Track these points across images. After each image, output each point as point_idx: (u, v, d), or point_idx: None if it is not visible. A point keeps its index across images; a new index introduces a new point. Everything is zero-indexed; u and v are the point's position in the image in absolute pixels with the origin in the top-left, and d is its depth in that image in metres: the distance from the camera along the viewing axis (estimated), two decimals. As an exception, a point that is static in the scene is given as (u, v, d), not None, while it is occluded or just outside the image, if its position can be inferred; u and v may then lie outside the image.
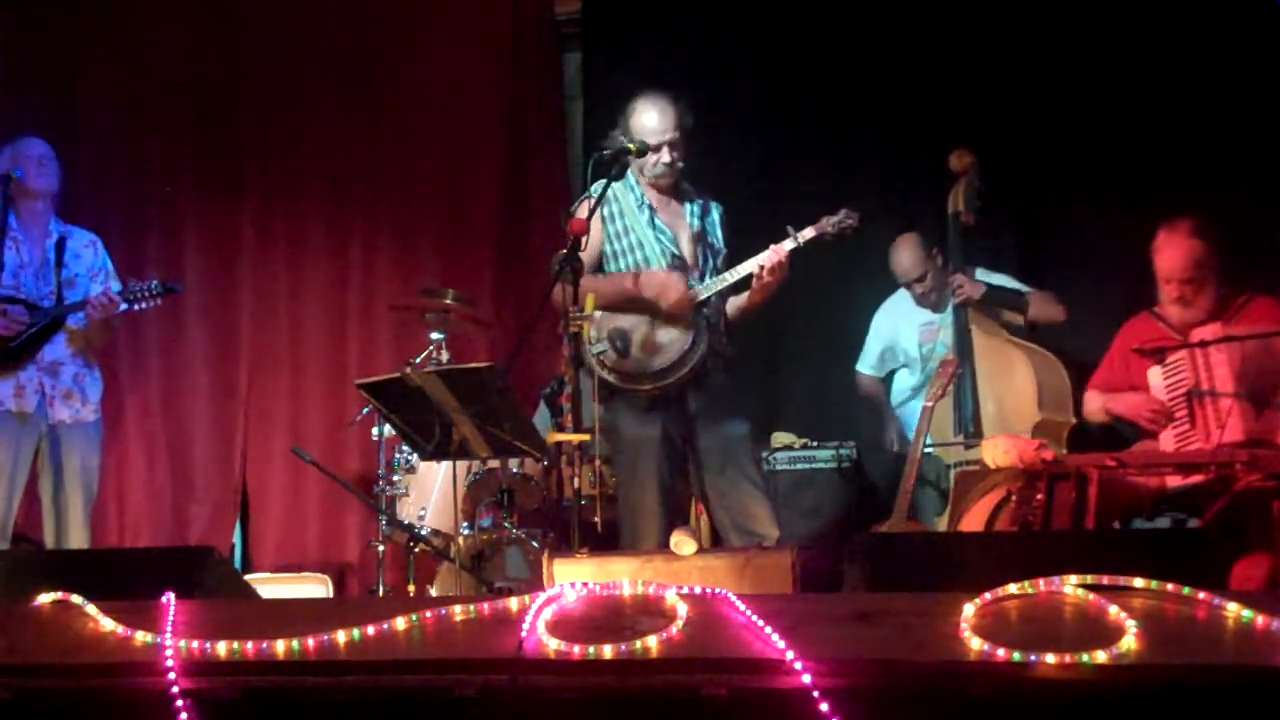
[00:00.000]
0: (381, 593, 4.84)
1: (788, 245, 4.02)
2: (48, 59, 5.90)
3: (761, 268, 3.98)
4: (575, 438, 3.49)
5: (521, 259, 5.74)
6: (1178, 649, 2.00)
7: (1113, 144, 5.03)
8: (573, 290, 3.57)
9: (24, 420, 4.63)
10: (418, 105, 5.88)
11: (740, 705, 2.02)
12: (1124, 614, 2.04)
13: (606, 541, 4.04)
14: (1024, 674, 1.97)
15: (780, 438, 5.26)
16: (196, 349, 5.84)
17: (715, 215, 4.25)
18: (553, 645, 2.10)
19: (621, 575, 2.67)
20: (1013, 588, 2.15)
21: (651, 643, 2.08)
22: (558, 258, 3.66)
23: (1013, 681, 1.98)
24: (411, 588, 4.66)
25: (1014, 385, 4.51)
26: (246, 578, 4.45)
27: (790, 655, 1.99)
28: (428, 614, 2.25)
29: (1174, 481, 3.71)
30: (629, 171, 4.09)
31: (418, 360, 4.85)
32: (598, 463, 3.52)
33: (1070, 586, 2.14)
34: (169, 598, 2.34)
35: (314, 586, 5.20)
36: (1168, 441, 3.90)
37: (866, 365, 5.16)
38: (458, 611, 2.26)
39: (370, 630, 2.21)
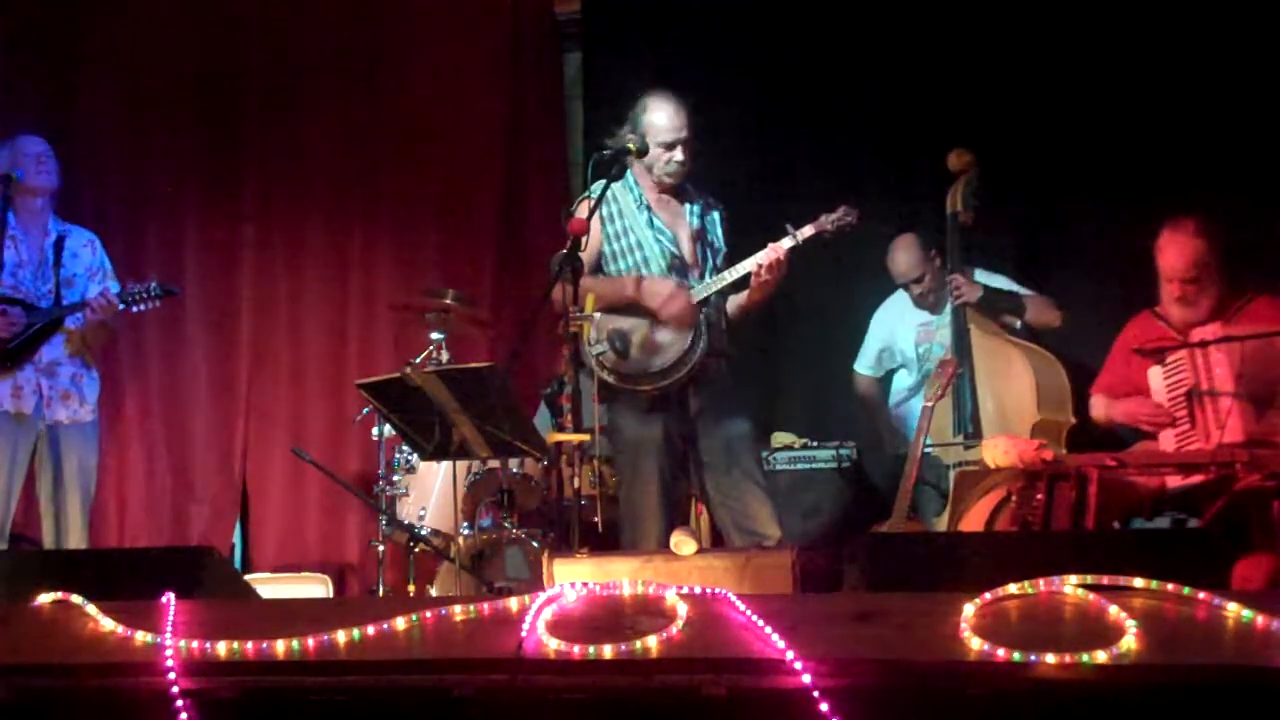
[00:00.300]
0: (381, 593, 4.84)
1: (787, 243, 4.03)
2: (48, 58, 5.89)
3: (760, 266, 3.98)
4: (575, 438, 3.49)
5: (521, 259, 5.74)
6: (1178, 649, 2.00)
7: (1111, 144, 5.03)
8: (573, 290, 3.57)
9: (22, 421, 4.63)
10: (418, 105, 5.87)
11: (740, 705, 2.03)
12: (1124, 614, 2.04)
13: (606, 541, 4.04)
14: (1024, 674, 1.97)
15: (780, 438, 5.26)
16: (196, 349, 5.83)
17: (715, 215, 4.25)
18: (553, 645, 2.10)
19: (621, 575, 2.67)
20: (1013, 588, 2.15)
21: (651, 643, 2.08)
22: (557, 258, 3.66)
23: (1013, 681, 1.98)
24: (411, 588, 4.66)
25: (1013, 385, 4.51)
26: (246, 578, 4.45)
27: (790, 655, 1.99)
28: (428, 614, 2.25)
29: (1174, 481, 3.71)
30: (628, 172, 4.09)
31: (418, 360, 4.85)
32: (597, 463, 3.52)
33: (1070, 586, 2.14)
34: (169, 598, 2.34)
35: (314, 586, 5.20)
36: (1168, 442, 3.90)
37: (864, 366, 5.17)
38: (458, 611, 2.26)
39: (370, 630, 2.21)
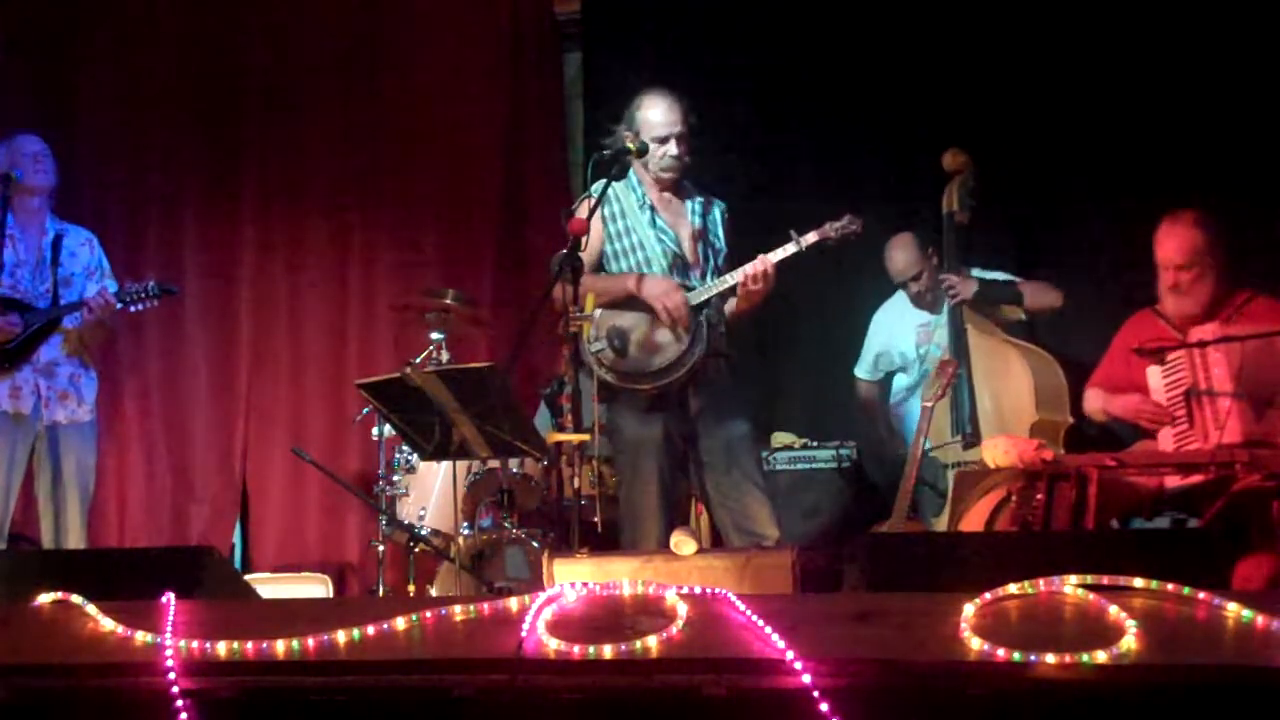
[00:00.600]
0: (381, 593, 4.84)
1: (790, 249, 4.02)
2: (48, 58, 5.89)
3: (746, 276, 3.97)
4: (575, 438, 3.49)
5: (521, 259, 5.74)
6: (1178, 649, 2.00)
7: (1110, 143, 5.03)
8: (573, 290, 3.57)
9: (20, 421, 4.64)
10: (418, 105, 5.87)
11: (740, 705, 2.03)
12: (1124, 614, 2.04)
13: (606, 541, 4.04)
14: (1024, 674, 1.97)
15: (780, 438, 5.26)
16: (196, 349, 5.83)
17: (716, 213, 4.25)
18: (553, 645, 2.10)
19: (621, 575, 2.67)
20: (1013, 588, 2.15)
21: (651, 643, 2.08)
22: (557, 258, 3.66)
23: (1013, 681, 1.98)
24: (411, 588, 4.66)
25: (1011, 385, 4.51)
26: (246, 578, 4.45)
27: (790, 655, 1.99)
28: (428, 614, 2.25)
29: (1173, 482, 3.71)
30: (630, 171, 4.09)
31: (418, 360, 4.85)
32: (597, 463, 3.52)
33: (1070, 586, 2.14)
34: (169, 598, 2.34)
35: (314, 586, 5.19)
36: (1167, 441, 3.90)
37: (862, 370, 5.16)
38: (458, 611, 2.26)
39: (370, 630, 2.21)
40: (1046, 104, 5.12)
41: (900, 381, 5.04)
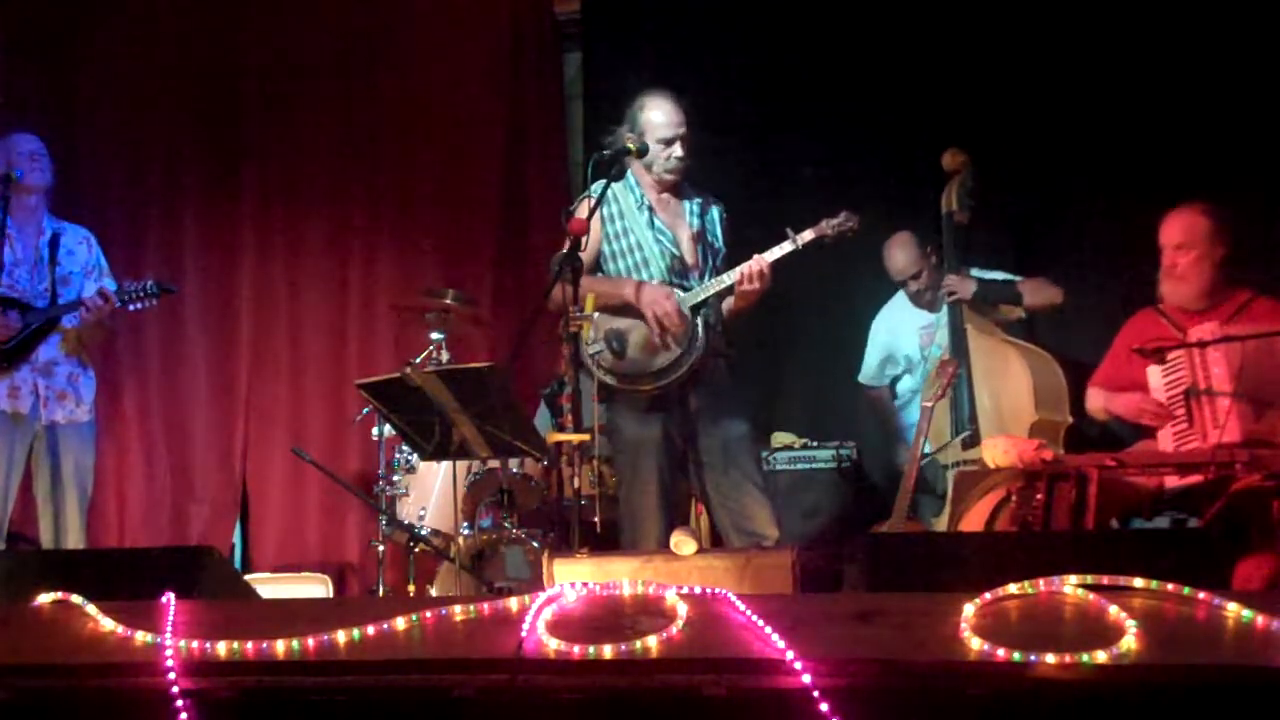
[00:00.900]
0: (381, 593, 4.84)
1: (786, 247, 4.02)
2: (48, 58, 5.90)
3: (742, 276, 3.97)
4: (575, 438, 3.49)
5: (521, 259, 5.74)
6: (1178, 649, 2.00)
7: (1110, 141, 5.03)
8: (573, 290, 3.57)
9: (19, 421, 4.64)
10: (418, 105, 5.88)
11: (740, 705, 2.03)
12: (1124, 614, 2.04)
13: (606, 541, 4.04)
14: (1024, 674, 1.97)
15: (780, 438, 5.26)
16: (196, 349, 5.83)
17: (715, 214, 4.25)
18: (553, 645, 2.10)
19: (621, 575, 2.68)
20: (1013, 588, 2.15)
21: (651, 643, 2.08)
22: (557, 258, 3.66)
23: (1013, 681, 1.98)
24: (411, 588, 4.66)
25: (1010, 385, 4.51)
26: (246, 578, 4.45)
27: (790, 655, 1.99)
28: (428, 614, 2.25)
29: (1173, 482, 3.71)
30: (629, 172, 4.09)
31: (418, 360, 4.85)
32: (597, 463, 3.51)
33: (1070, 586, 2.14)
34: (169, 598, 2.34)
35: (314, 586, 5.19)
36: (1166, 440, 3.90)
37: (867, 377, 5.15)
38: (458, 611, 2.26)
39: (370, 630, 2.21)
40: (1046, 103, 5.13)
41: (905, 384, 5.05)
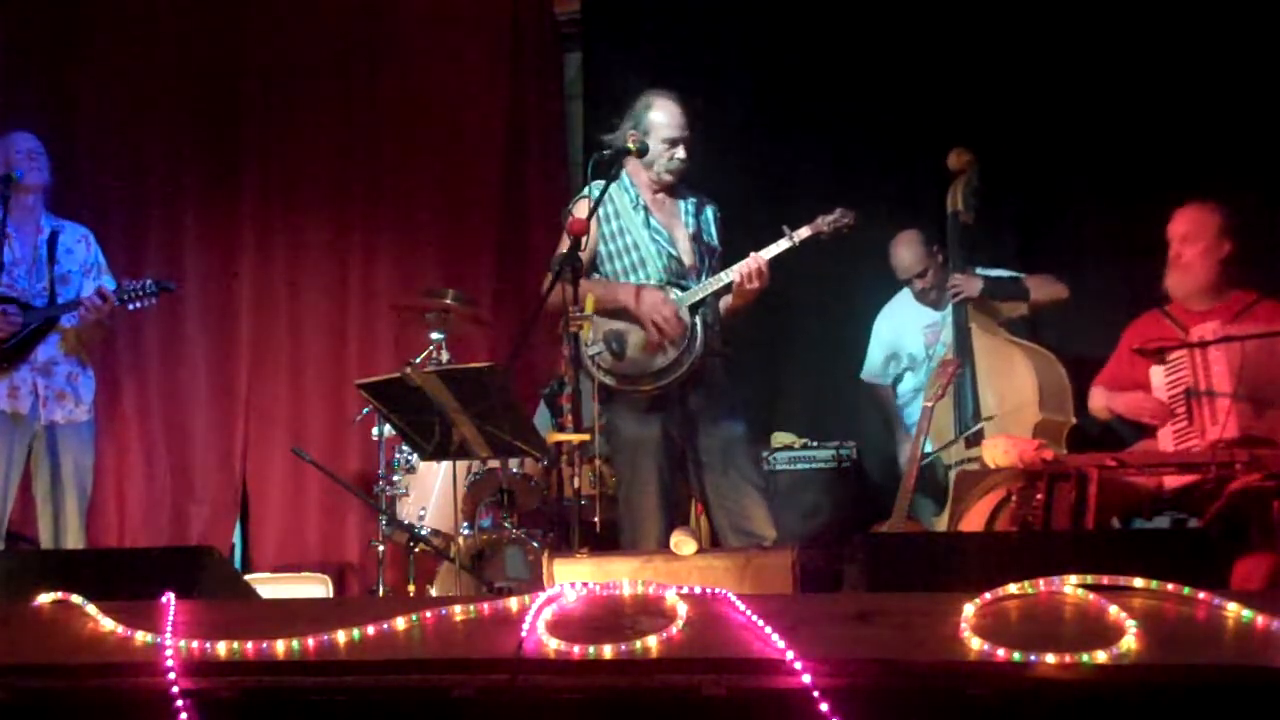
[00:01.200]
0: (381, 593, 4.84)
1: (783, 245, 4.02)
2: (48, 57, 5.90)
3: (740, 275, 3.97)
4: (575, 438, 3.49)
5: (521, 259, 5.73)
6: (1178, 649, 2.00)
7: (1112, 141, 5.03)
8: (573, 290, 3.57)
9: (18, 421, 4.63)
10: (418, 105, 5.87)
11: (740, 705, 2.03)
12: (1124, 614, 2.04)
13: (606, 541, 4.03)
14: (1024, 674, 1.97)
15: (780, 438, 5.26)
16: (196, 349, 5.83)
17: (709, 213, 4.25)
18: (553, 645, 2.10)
19: (621, 575, 2.67)
20: (1013, 588, 2.15)
21: (651, 643, 2.08)
22: (557, 258, 3.66)
23: (1013, 681, 1.98)
24: (411, 588, 4.66)
25: (1014, 385, 4.50)
26: (246, 578, 4.45)
27: (790, 655, 1.99)
28: (428, 614, 2.25)
29: (1172, 481, 3.71)
30: (624, 171, 4.08)
31: (418, 360, 4.85)
32: (598, 462, 3.51)
33: (1070, 586, 2.14)
34: (169, 598, 2.34)
35: (314, 586, 5.19)
36: (1166, 439, 3.90)
37: (872, 374, 5.14)
38: (458, 611, 2.26)
39: (370, 630, 2.21)
40: (1049, 102, 5.13)
41: (908, 383, 5.04)
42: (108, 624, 2.32)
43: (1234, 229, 3.98)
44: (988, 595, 2.13)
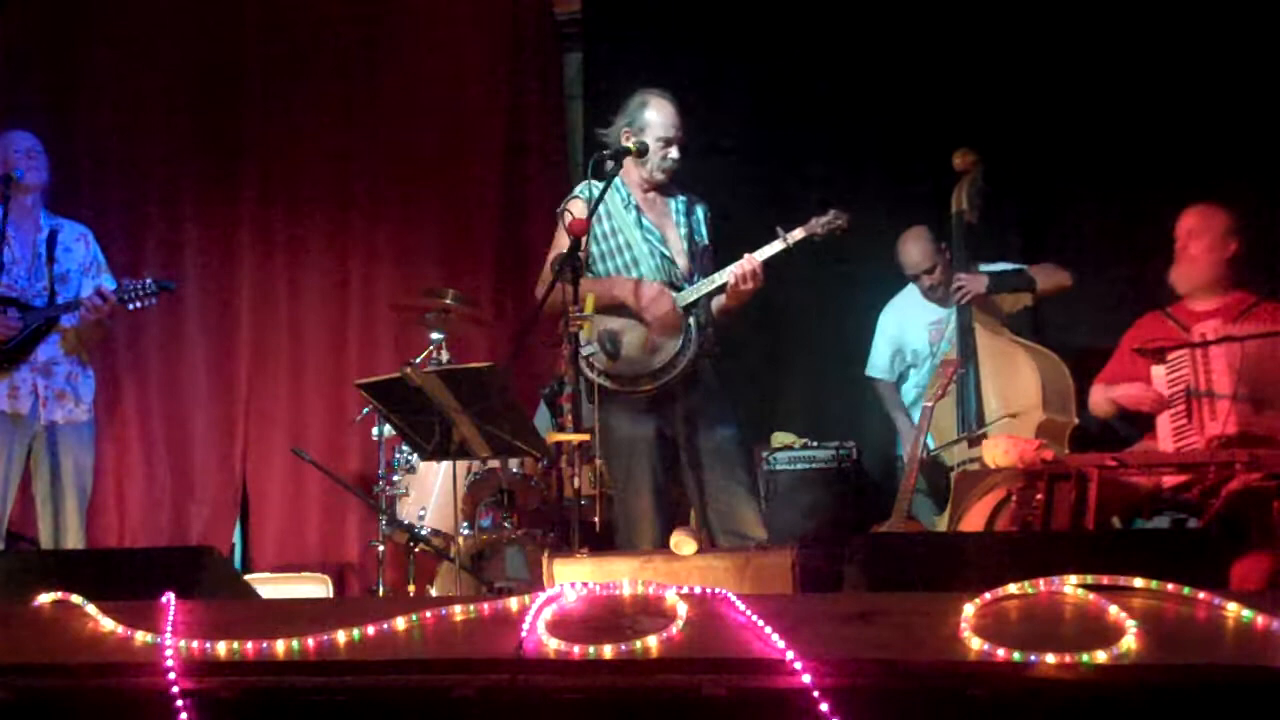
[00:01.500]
0: (381, 593, 4.84)
1: (776, 246, 4.02)
2: (48, 56, 5.90)
3: (736, 276, 3.97)
4: (575, 438, 3.48)
5: (521, 259, 5.73)
6: (1178, 649, 2.00)
7: (1116, 140, 5.03)
8: (573, 290, 3.57)
9: (18, 421, 4.63)
10: (418, 105, 5.87)
11: (740, 705, 2.03)
12: (1124, 614, 2.04)
13: (606, 541, 4.04)
14: (1024, 674, 1.97)
15: (780, 438, 5.25)
16: (196, 349, 5.83)
17: (700, 213, 4.24)
18: (553, 645, 2.10)
19: (621, 575, 2.67)
20: (1013, 588, 2.15)
21: (651, 643, 2.08)
22: (557, 258, 3.66)
23: (1013, 681, 1.98)
24: (411, 588, 4.66)
25: (1018, 385, 4.50)
26: (246, 578, 4.45)
27: (790, 655, 1.99)
28: (428, 614, 2.25)
29: (1171, 479, 3.72)
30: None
31: (418, 360, 4.85)
32: (598, 462, 3.51)
33: (1070, 586, 2.14)
34: (169, 598, 2.34)
35: (314, 586, 5.19)
36: (1165, 435, 3.91)
37: (878, 370, 5.13)
38: (458, 611, 2.26)
39: (370, 630, 2.21)
40: (1051, 103, 5.13)
41: (910, 381, 5.04)
42: (108, 624, 2.32)
43: (1240, 230, 4.03)
44: (988, 595, 2.13)
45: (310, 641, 2.18)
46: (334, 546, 5.72)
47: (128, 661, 2.21)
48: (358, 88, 5.92)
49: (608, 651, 2.07)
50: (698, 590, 2.24)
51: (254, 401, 5.82)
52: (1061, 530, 3.49)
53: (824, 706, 1.92)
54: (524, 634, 2.11)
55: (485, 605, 2.27)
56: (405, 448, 4.83)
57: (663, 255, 4.09)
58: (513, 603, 2.25)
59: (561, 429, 3.56)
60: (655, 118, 4.06)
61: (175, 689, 2.10)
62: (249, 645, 2.18)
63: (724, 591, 2.22)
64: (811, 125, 5.50)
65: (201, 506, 5.76)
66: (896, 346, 5.05)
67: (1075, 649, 1.97)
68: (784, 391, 5.57)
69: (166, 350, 5.82)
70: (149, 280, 4.69)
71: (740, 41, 5.58)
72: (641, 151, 3.97)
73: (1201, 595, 2.11)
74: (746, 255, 3.99)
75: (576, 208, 3.95)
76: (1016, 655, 1.97)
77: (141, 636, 2.25)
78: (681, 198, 4.22)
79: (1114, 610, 2.06)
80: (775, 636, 2.04)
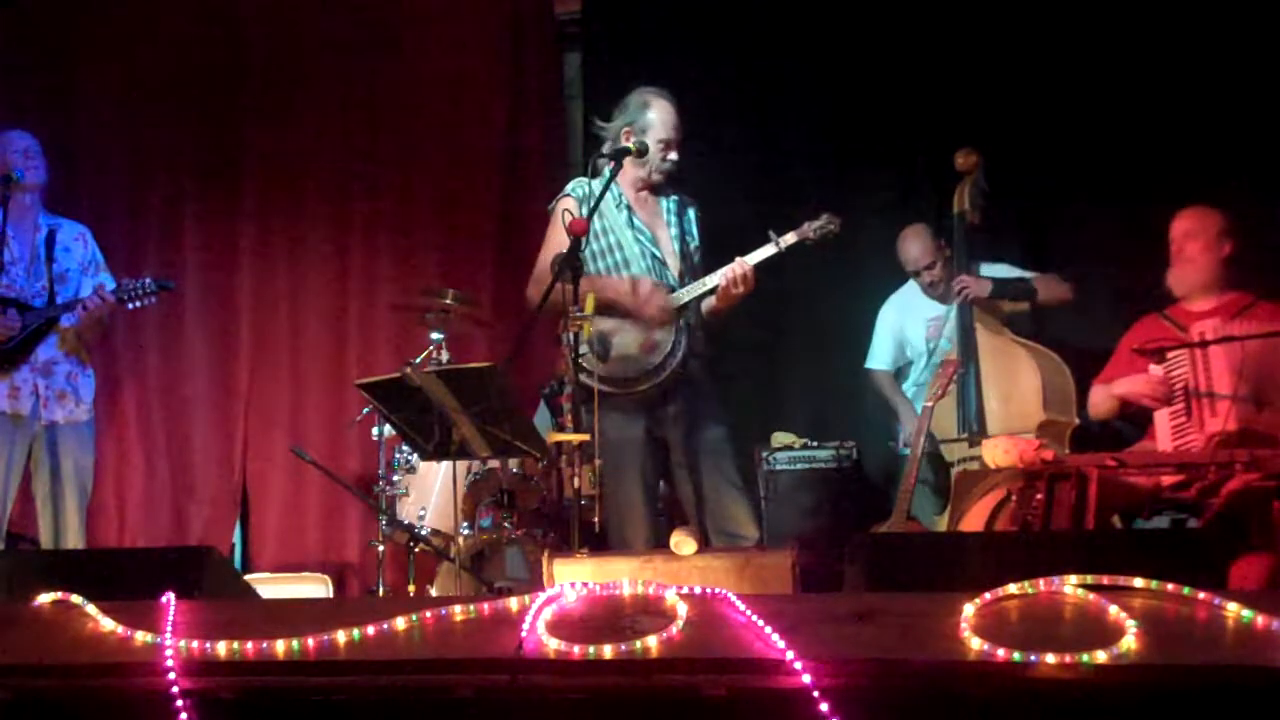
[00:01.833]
0: (381, 593, 4.84)
1: (769, 250, 4.01)
2: (48, 56, 5.90)
3: (727, 279, 3.97)
4: (575, 438, 3.48)
5: (521, 259, 5.71)
6: (1178, 649, 2.00)
7: (1117, 141, 5.03)
8: (573, 290, 3.57)
9: (19, 422, 4.63)
10: (418, 105, 5.87)
11: (740, 705, 2.03)
12: (1124, 614, 2.04)
13: (606, 542, 4.03)
14: (1024, 674, 1.97)
15: (780, 438, 5.26)
16: (197, 349, 5.83)
17: (691, 213, 4.24)
18: (553, 645, 2.10)
19: (621, 575, 2.67)
20: (1013, 588, 2.15)
21: (651, 643, 2.08)
22: (557, 258, 3.66)
23: (1013, 681, 1.98)
24: (411, 588, 4.66)
25: (1019, 385, 4.51)
26: (246, 578, 4.45)
27: (790, 655, 1.99)
28: (428, 614, 2.25)
29: (1169, 478, 3.72)
30: (607, 170, 4.07)
31: (418, 360, 4.85)
32: (598, 462, 3.51)
33: (1070, 586, 2.14)
34: (169, 598, 2.34)
35: (314, 586, 5.20)
36: (1165, 433, 3.92)
37: (880, 362, 5.13)
38: (458, 611, 2.26)
39: (370, 630, 2.21)
40: (1050, 100, 5.12)
41: (910, 378, 5.04)
42: (108, 624, 2.31)
43: (1234, 230, 4.04)
44: (988, 595, 2.13)
45: (310, 641, 2.18)
46: (334, 546, 5.72)
47: (128, 661, 2.21)
48: (358, 88, 5.92)
49: (608, 651, 2.07)
50: (698, 590, 2.24)
51: (254, 401, 5.82)
52: (1061, 530, 3.49)
53: (824, 706, 1.92)
54: (524, 634, 2.11)
55: (485, 605, 2.27)
56: (405, 448, 4.84)
57: (653, 256, 4.09)
58: (513, 603, 2.25)
59: (561, 429, 3.56)
60: (657, 118, 4.05)
61: (175, 689, 2.10)
62: (249, 645, 2.18)
63: (724, 591, 2.22)
64: (811, 125, 5.50)
65: (201, 506, 5.77)
66: (897, 340, 5.06)
67: (1075, 649, 1.96)
68: (784, 391, 5.57)
69: (166, 350, 5.82)
70: (149, 280, 4.69)
71: (740, 41, 5.58)
72: (643, 152, 3.97)
73: (1201, 595, 2.10)
74: (738, 259, 3.98)
75: (569, 206, 3.95)
76: (1016, 655, 1.97)
77: (141, 636, 2.25)
78: (674, 198, 4.21)
79: (1114, 610, 2.06)
80: (775, 636, 2.04)
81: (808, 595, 3.02)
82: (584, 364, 3.88)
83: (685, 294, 4.02)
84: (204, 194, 5.91)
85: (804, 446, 5.20)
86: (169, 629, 2.23)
